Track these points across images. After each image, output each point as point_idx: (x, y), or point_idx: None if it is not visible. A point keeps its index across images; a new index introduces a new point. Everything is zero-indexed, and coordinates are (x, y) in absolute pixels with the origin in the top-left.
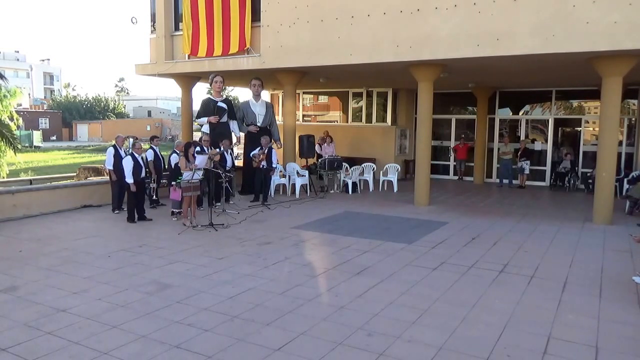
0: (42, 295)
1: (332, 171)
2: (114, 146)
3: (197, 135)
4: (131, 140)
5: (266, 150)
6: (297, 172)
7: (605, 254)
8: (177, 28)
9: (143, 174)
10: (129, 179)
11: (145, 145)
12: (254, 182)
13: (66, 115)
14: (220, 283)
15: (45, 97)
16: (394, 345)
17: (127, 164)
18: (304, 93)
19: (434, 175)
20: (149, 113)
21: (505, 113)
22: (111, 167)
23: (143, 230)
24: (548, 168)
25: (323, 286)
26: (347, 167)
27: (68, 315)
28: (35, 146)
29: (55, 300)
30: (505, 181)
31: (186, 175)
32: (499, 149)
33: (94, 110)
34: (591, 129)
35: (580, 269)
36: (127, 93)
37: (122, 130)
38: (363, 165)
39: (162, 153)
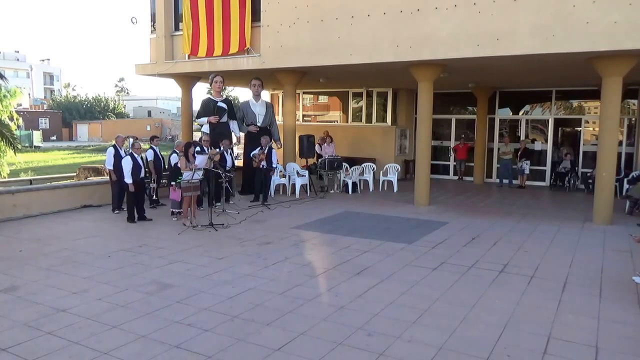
0: (42, 295)
1: (332, 171)
2: (114, 146)
3: (197, 135)
4: (131, 140)
5: (266, 150)
6: (297, 172)
7: (605, 254)
8: (177, 28)
9: (142, 174)
10: (128, 179)
11: (145, 145)
12: (254, 182)
13: (66, 115)
14: (220, 283)
15: (45, 97)
16: (394, 345)
17: (127, 164)
18: (304, 93)
19: (434, 175)
20: (149, 113)
21: (505, 113)
22: (111, 167)
23: (143, 230)
24: (548, 168)
25: (323, 286)
26: (347, 167)
27: (68, 315)
28: (35, 146)
29: (55, 300)
30: (505, 181)
31: (186, 175)
32: (499, 149)
33: (94, 110)
34: (591, 129)
35: (580, 269)
36: (127, 93)
37: (122, 130)
38: (363, 165)
39: (162, 153)
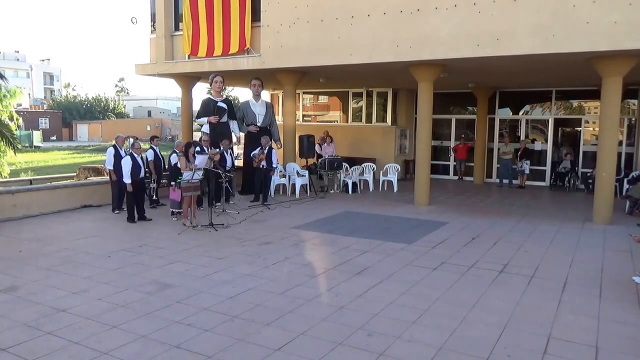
0: (42, 295)
1: (332, 171)
2: (114, 146)
3: (197, 135)
4: (131, 140)
5: (266, 150)
6: (297, 172)
7: (605, 254)
8: (177, 28)
9: (142, 174)
10: (127, 179)
11: (145, 145)
12: (254, 182)
13: (66, 115)
14: (220, 283)
15: (45, 97)
16: (394, 345)
17: (126, 164)
18: (304, 93)
19: (434, 175)
20: (149, 113)
21: (505, 113)
22: (111, 167)
23: (143, 230)
24: (548, 168)
25: (323, 286)
26: (347, 167)
27: (68, 315)
28: (35, 146)
29: (55, 300)
30: (505, 181)
31: (186, 175)
32: (499, 149)
33: (94, 110)
34: (591, 129)
35: (580, 269)
36: (127, 93)
37: (122, 130)
38: (363, 165)
39: (162, 153)
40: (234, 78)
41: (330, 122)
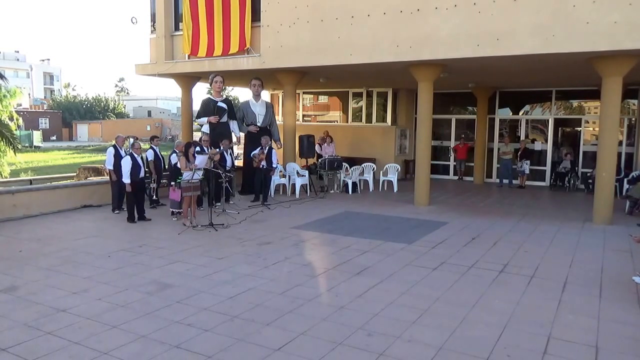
0: (42, 295)
1: (332, 171)
2: (114, 146)
3: (197, 135)
4: (131, 140)
5: (266, 150)
6: (297, 172)
7: (605, 254)
8: (177, 28)
9: (142, 174)
10: (126, 179)
11: (145, 145)
12: (254, 182)
13: (66, 115)
14: (220, 283)
15: (45, 97)
16: (394, 345)
17: (126, 164)
18: (304, 93)
19: (434, 175)
20: (149, 113)
21: (505, 113)
22: (111, 167)
23: (143, 230)
24: (548, 168)
25: (323, 286)
26: (347, 167)
27: (68, 315)
28: (35, 146)
29: (55, 300)
30: (505, 181)
31: (186, 175)
32: (499, 149)
33: (94, 110)
34: (591, 129)
35: (580, 269)
36: (127, 93)
37: (122, 130)
38: (363, 165)
39: (162, 153)
40: (234, 78)
41: (330, 122)
